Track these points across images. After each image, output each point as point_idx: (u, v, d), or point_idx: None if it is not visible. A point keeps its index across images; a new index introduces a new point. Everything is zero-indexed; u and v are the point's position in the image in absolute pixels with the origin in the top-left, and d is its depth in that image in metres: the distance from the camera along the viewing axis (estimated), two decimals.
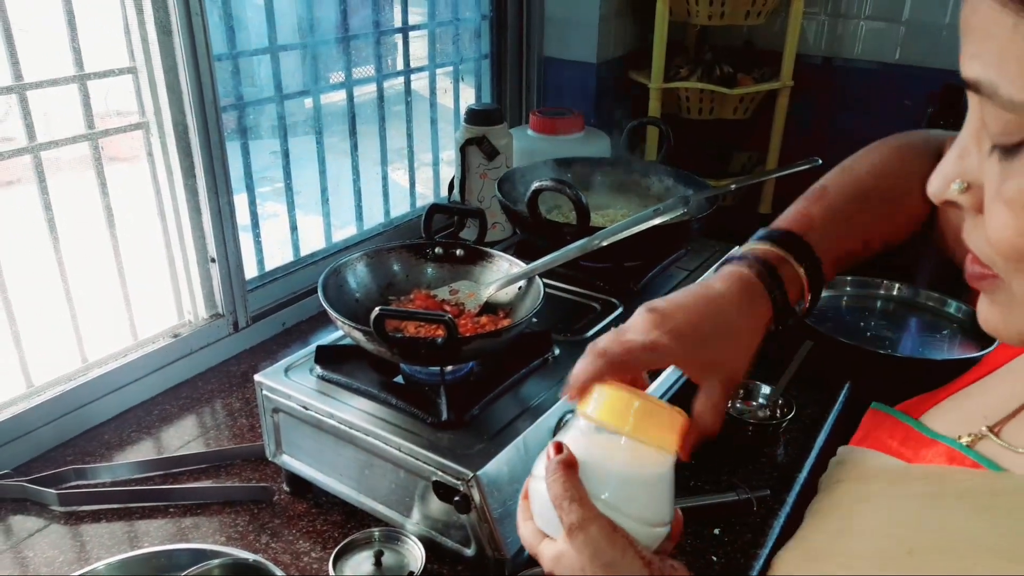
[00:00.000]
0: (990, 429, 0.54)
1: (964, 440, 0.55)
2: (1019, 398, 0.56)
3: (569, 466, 0.55)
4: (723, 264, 0.70)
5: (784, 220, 0.72)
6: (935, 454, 0.55)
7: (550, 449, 0.57)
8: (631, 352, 0.60)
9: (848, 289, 1.55)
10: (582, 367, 0.60)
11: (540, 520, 0.58)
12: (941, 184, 0.46)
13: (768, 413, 1.20)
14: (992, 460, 0.51)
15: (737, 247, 0.72)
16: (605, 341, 0.62)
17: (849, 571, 0.49)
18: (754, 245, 0.69)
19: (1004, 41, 0.39)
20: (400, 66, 1.76)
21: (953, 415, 0.59)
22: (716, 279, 0.67)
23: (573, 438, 0.59)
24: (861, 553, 0.50)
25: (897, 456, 0.58)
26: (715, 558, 0.95)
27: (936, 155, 0.67)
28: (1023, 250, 0.42)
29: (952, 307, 1.47)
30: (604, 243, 1.04)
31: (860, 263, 0.74)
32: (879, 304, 1.52)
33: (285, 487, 1.06)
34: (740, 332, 0.65)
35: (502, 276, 1.08)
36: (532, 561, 0.87)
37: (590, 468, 0.57)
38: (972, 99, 0.44)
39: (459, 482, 0.84)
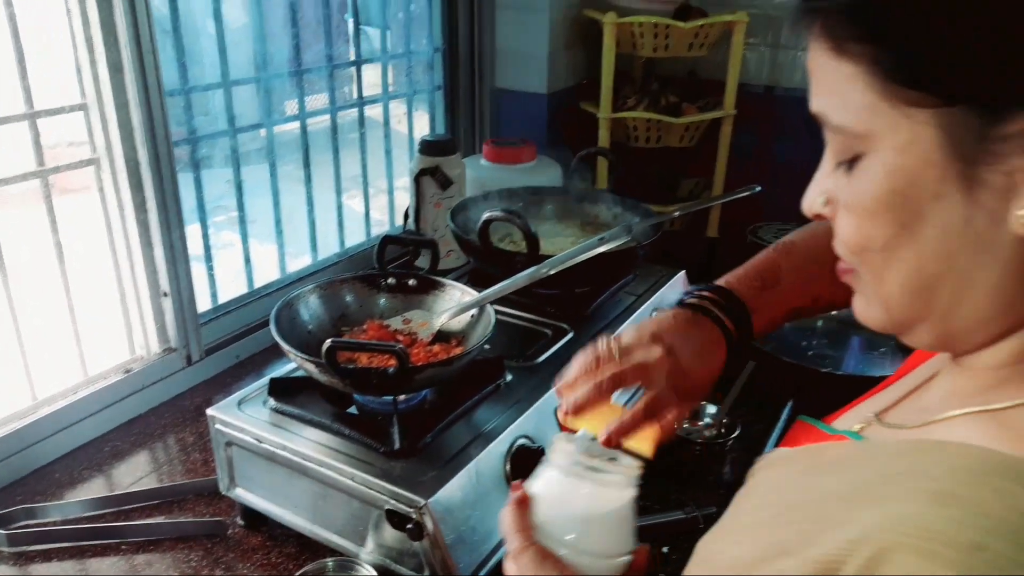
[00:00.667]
0: (877, 416, 0.61)
1: (856, 428, 0.61)
2: (906, 389, 0.63)
3: (521, 503, 0.64)
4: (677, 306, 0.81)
5: (732, 277, 0.83)
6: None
7: (513, 487, 0.66)
8: (639, 369, 0.72)
9: None
10: (586, 391, 0.71)
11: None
12: (809, 202, 0.56)
13: (714, 432, 1.23)
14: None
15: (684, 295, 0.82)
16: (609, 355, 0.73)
17: (741, 538, 0.54)
18: (700, 295, 0.80)
19: (830, 80, 0.50)
20: (354, 95, 1.78)
21: (856, 414, 0.65)
22: (673, 314, 0.79)
23: (543, 483, 0.66)
24: (751, 523, 0.55)
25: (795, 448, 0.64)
26: None
27: None
28: (863, 244, 0.51)
29: None
30: (552, 271, 1.07)
31: (805, 316, 0.84)
32: (820, 323, 1.58)
33: (239, 520, 1.06)
34: (713, 352, 0.76)
35: (454, 305, 1.10)
36: None
37: (555, 513, 0.64)
38: (825, 131, 0.52)
39: (411, 510, 0.86)
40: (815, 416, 0.73)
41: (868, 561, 0.41)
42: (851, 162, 0.50)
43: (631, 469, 0.65)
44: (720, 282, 0.82)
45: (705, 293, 0.80)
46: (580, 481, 0.64)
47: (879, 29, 0.47)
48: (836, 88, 0.49)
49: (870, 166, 0.49)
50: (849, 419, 0.66)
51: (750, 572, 0.50)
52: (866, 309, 0.55)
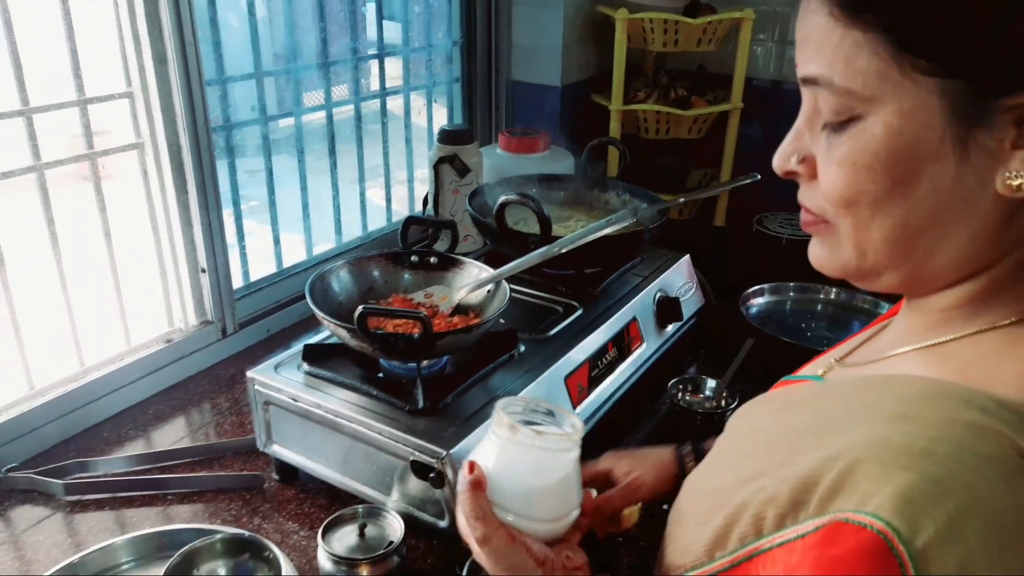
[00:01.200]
0: (838, 361, 0.70)
1: (820, 372, 0.70)
2: (865, 337, 0.72)
3: (477, 486, 0.66)
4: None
5: None
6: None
7: (465, 466, 0.68)
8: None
9: (791, 294, 1.68)
10: None
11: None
12: (782, 159, 0.60)
13: (714, 404, 1.32)
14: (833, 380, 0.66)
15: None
16: None
17: (722, 470, 0.62)
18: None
19: (835, 45, 0.53)
20: (376, 87, 1.87)
21: (820, 362, 0.74)
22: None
23: (489, 455, 0.68)
24: (732, 457, 0.63)
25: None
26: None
27: None
28: (850, 198, 0.55)
29: (884, 308, 1.60)
30: (563, 250, 1.16)
31: None
32: (819, 307, 1.65)
33: (274, 475, 1.16)
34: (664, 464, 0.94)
35: (472, 281, 1.19)
36: None
37: (501, 483, 0.66)
38: (807, 93, 0.57)
39: (434, 460, 0.95)
40: None
41: (841, 473, 0.49)
42: (843, 123, 0.54)
43: (574, 431, 0.67)
44: None
45: None
46: (526, 451, 0.66)
47: (893, 3, 0.51)
48: (841, 53, 0.53)
49: (869, 127, 0.53)
50: (814, 366, 0.74)
51: (731, 494, 0.58)
52: (834, 257, 0.59)
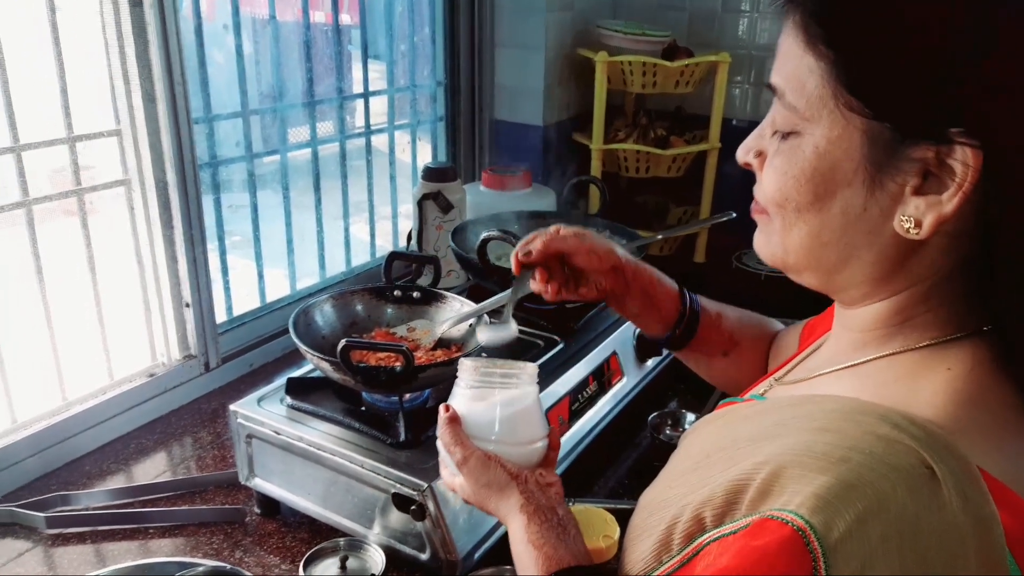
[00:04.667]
0: (777, 380, 0.76)
1: (760, 392, 0.75)
2: (802, 357, 0.78)
3: (453, 420, 0.80)
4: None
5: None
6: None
7: (441, 409, 0.81)
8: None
9: None
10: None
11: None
12: (743, 151, 0.67)
13: None
14: (771, 397, 0.71)
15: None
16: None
17: (673, 483, 0.66)
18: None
19: (795, 63, 0.59)
20: (361, 124, 1.90)
21: (764, 384, 0.79)
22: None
23: (460, 398, 0.81)
24: (681, 470, 0.66)
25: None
26: None
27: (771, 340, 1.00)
28: (779, 200, 0.62)
29: None
30: None
31: (718, 352, 1.01)
32: None
33: (256, 508, 1.16)
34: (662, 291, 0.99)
35: (454, 315, 1.21)
36: (481, 563, 0.99)
37: (473, 418, 0.79)
38: (774, 99, 0.62)
39: (415, 493, 0.96)
40: None
41: (769, 475, 0.53)
42: (788, 134, 0.60)
43: (529, 371, 0.80)
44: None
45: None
46: (491, 391, 0.79)
47: (843, 40, 0.56)
48: (797, 73, 0.59)
49: (803, 143, 0.59)
50: (759, 387, 0.79)
51: (678, 503, 0.61)
52: (766, 246, 0.67)
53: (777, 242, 0.64)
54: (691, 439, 0.73)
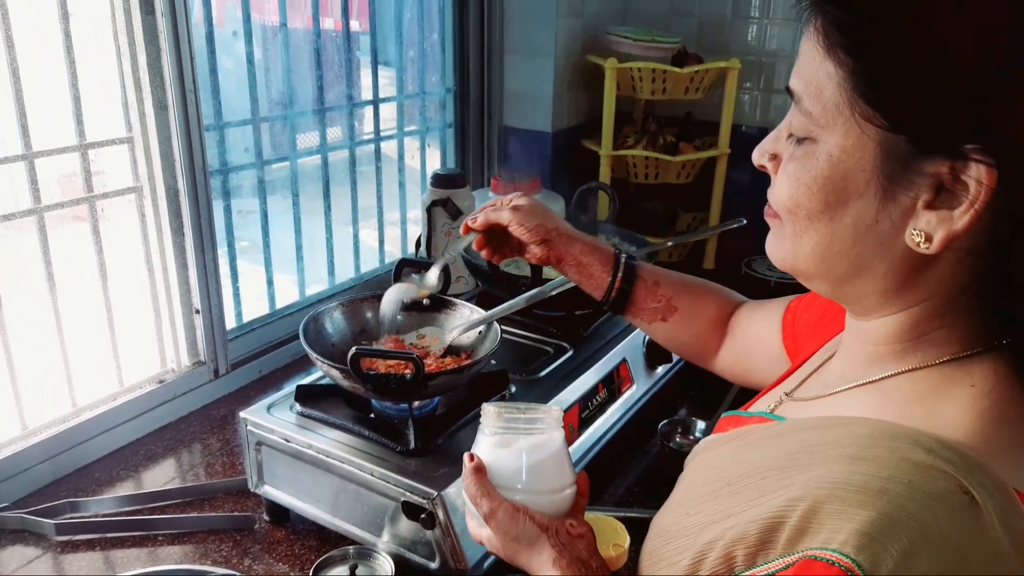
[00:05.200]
0: (787, 394, 0.74)
1: (770, 408, 0.73)
2: (812, 368, 0.75)
3: (478, 471, 0.76)
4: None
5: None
6: (751, 423, 0.72)
7: (465, 458, 0.77)
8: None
9: None
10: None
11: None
12: (759, 153, 0.66)
13: None
14: (785, 416, 0.69)
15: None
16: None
17: (692, 510, 0.65)
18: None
19: (813, 69, 0.58)
20: (370, 131, 1.91)
21: (770, 396, 0.78)
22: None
23: (483, 446, 0.78)
24: (699, 496, 0.65)
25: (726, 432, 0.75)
26: None
27: (727, 310, 1.03)
28: (791, 206, 0.61)
29: None
30: (553, 292, 1.18)
31: (656, 318, 1.03)
32: None
33: (265, 516, 1.16)
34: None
35: (464, 322, 1.21)
36: (491, 573, 0.99)
37: (499, 467, 0.76)
38: (793, 102, 0.62)
39: (425, 501, 0.96)
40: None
41: (806, 512, 0.52)
42: (803, 139, 0.60)
43: (554, 415, 0.77)
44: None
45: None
46: (515, 438, 0.76)
47: (863, 49, 0.55)
48: (815, 79, 0.58)
49: (818, 150, 0.58)
50: (764, 401, 0.77)
51: (700, 534, 0.60)
52: (778, 250, 0.66)
53: (788, 247, 0.64)
54: (703, 461, 0.72)
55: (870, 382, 0.63)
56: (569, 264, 1.01)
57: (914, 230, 0.55)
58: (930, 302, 0.59)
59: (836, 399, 0.65)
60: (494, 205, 1.02)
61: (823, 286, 0.64)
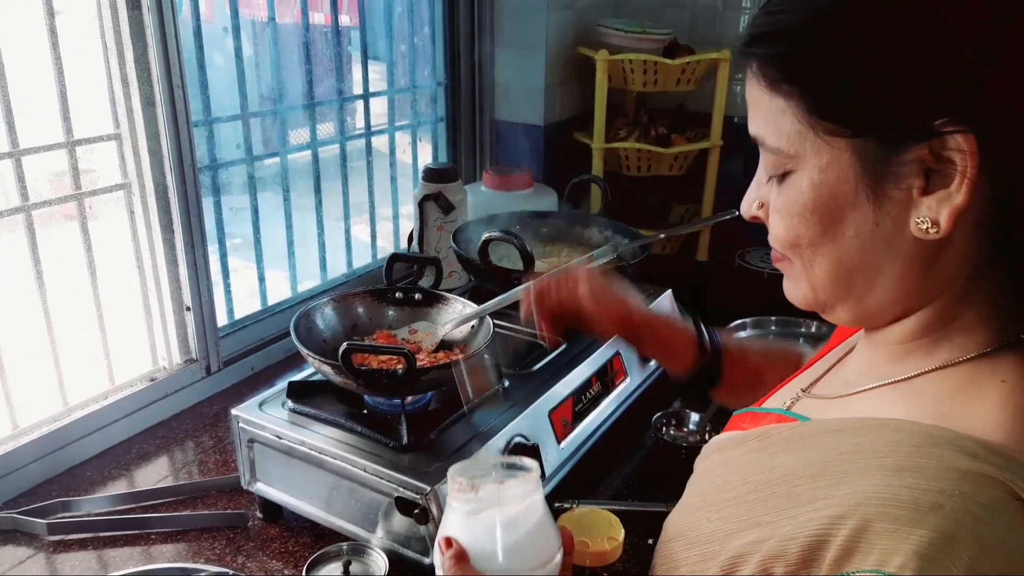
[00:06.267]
0: (803, 391, 0.72)
1: (785, 405, 0.72)
2: (827, 365, 0.74)
3: (460, 558, 0.65)
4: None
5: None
6: (767, 420, 0.71)
7: (441, 545, 0.66)
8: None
9: (773, 327, 1.70)
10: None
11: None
12: (746, 206, 0.66)
13: (698, 438, 1.33)
14: (804, 414, 0.67)
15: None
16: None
17: (714, 514, 0.63)
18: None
19: (765, 110, 0.59)
20: (361, 126, 1.90)
21: (784, 393, 0.76)
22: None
23: (457, 526, 0.66)
24: (722, 500, 0.64)
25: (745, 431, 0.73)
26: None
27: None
28: (791, 240, 0.61)
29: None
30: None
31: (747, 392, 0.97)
32: (800, 340, 1.67)
33: (258, 513, 1.16)
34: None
35: (456, 316, 1.20)
36: None
37: (474, 547, 0.65)
38: (760, 148, 0.62)
39: (418, 496, 0.95)
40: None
41: (853, 531, 0.50)
42: (782, 176, 0.60)
43: (533, 476, 0.66)
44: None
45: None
46: (492, 509, 0.65)
47: (803, 74, 0.56)
48: (770, 117, 0.59)
49: (798, 180, 0.59)
50: (777, 398, 0.76)
51: (724, 542, 0.59)
52: (795, 291, 0.65)
53: (805, 283, 0.63)
54: (720, 462, 0.70)
55: (896, 381, 0.61)
56: (647, 343, 1.02)
57: (918, 219, 0.55)
58: (950, 290, 0.58)
59: (862, 398, 0.63)
60: (560, 282, 1.00)
61: (845, 312, 0.63)
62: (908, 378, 0.60)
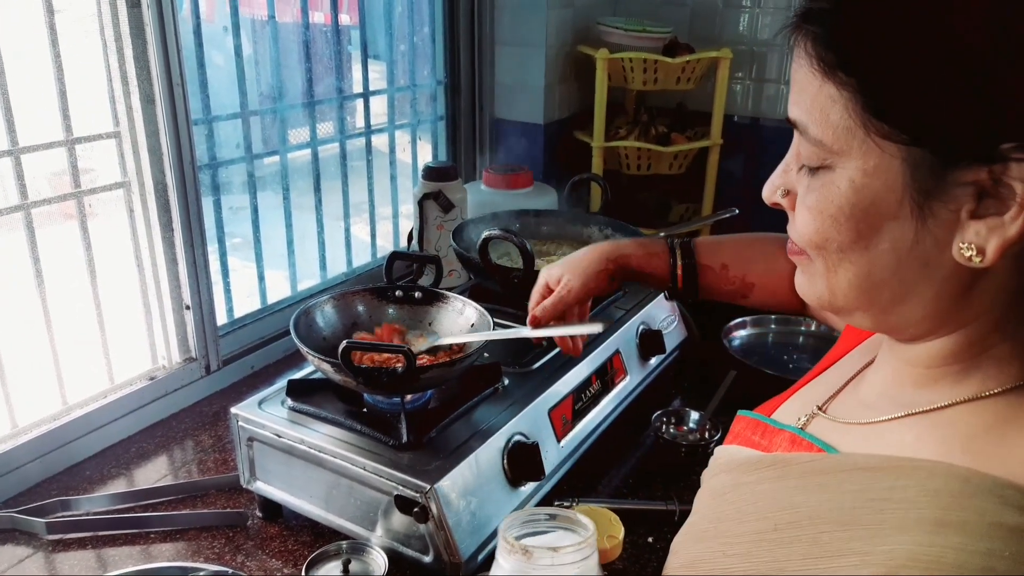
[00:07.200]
0: (819, 408, 0.68)
1: (800, 423, 0.68)
2: (843, 380, 0.70)
3: None
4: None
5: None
6: (781, 439, 0.67)
7: None
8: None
9: (773, 326, 1.70)
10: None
11: None
12: (770, 191, 0.62)
13: (698, 436, 1.33)
14: (822, 438, 0.63)
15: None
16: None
17: (731, 549, 0.60)
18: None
19: (813, 95, 0.54)
20: (361, 125, 1.90)
21: (795, 405, 0.73)
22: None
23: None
24: (739, 533, 0.61)
25: (756, 448, 0.70)
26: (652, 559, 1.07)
27: None
28: (818, 241, 0.57)
29: None
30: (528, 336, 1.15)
31: (737, 297, 1.01)
32: (801, 339, 1.67)
33: (258, 512, 1.15)
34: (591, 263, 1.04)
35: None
36: (484, 566, 0.99)
37: None
38: (795, 132, 0.58)
39: (418, 494, 0.95)
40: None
41: None
42: (816, 168, 0.55)
43: (586, 540, 0.62)
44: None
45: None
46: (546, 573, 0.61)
47: (861, 63, 0.51)
48: (817, 104, 0.53)
49: (837, 179, 0.54)
50: (789, 411, 0.72)
51: None
52: (810, 289, 0.61)
53: (823, 285, 0.59)
54: (733, 489, 0.66)
55: (925, 411, 0.57)
56: (630, 279, 1.03)
57: (962, 244, 0.51)
58: (986, 316, 0.55)
59: (887, 428, 0.59)
60: (549, 306, 1.03)
61: (865, 319, 0.59)
62: (936, 408, 0.56)
